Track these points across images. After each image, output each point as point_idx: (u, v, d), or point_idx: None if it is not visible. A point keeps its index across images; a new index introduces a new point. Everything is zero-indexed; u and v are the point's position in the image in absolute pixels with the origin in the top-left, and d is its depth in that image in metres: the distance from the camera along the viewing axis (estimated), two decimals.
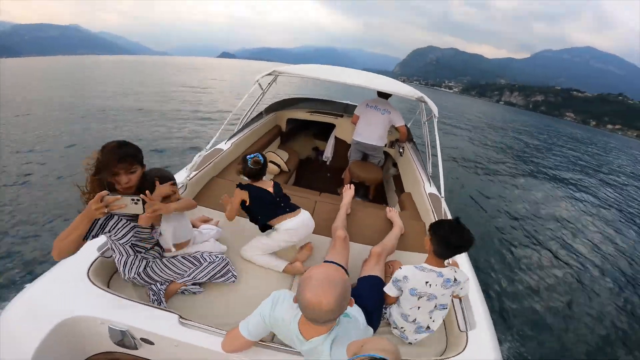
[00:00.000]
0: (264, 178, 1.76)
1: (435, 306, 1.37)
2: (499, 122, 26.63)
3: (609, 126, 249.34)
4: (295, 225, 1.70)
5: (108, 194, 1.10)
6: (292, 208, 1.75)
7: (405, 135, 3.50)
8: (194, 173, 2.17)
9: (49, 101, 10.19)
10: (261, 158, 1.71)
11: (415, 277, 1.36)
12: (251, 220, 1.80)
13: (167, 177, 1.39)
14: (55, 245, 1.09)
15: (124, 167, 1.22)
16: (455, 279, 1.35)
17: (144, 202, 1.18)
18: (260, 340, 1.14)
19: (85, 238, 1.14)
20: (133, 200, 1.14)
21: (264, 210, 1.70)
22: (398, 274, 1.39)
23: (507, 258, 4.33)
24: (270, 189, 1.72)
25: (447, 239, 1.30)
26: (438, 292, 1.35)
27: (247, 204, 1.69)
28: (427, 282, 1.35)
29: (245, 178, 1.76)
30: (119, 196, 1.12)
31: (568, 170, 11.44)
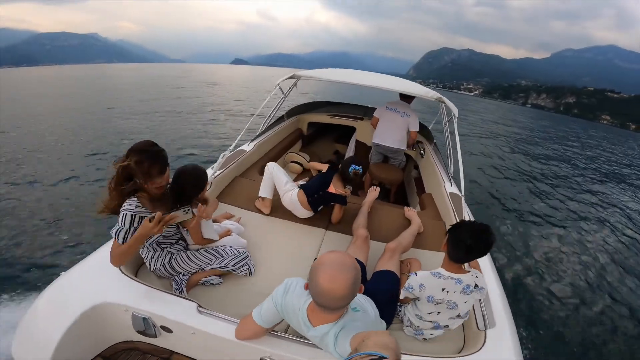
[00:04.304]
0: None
1: (459, 315, 1.32)
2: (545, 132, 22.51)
3: None
4: (292, 199, 2.07)
5: (163, 215, 1.17)
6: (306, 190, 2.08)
7: (413, 141, 3.46)
8: (219, 172, 2.26)
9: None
10: (360, 170, 1.98)
11: (431, 284, 1.30)
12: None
13: (203, 180, 1.46)
14: (114, 256, 1.22)
15: (157, 168, 1.19)
16: (476, 285, 1.27)
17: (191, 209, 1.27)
18: (273, 330, 1.15)
19: (124, 239, 1.21)
20: (184, 211, 1.25)
21: (314, 182, 2.10)
22: (414, 281, 1.34)
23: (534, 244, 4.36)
24: (333, 190, 2.02)
25: (464, 242, 1.20)
26: (459, 299, 1.28)
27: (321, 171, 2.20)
28: (443, 289, 1.28)
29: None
30: (174, 213, 1.21)
31: None
